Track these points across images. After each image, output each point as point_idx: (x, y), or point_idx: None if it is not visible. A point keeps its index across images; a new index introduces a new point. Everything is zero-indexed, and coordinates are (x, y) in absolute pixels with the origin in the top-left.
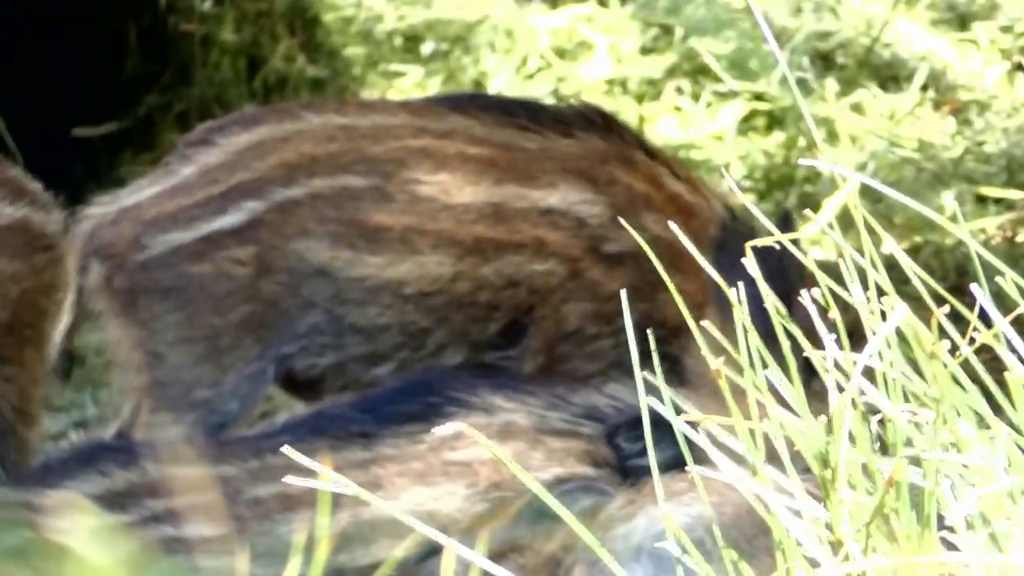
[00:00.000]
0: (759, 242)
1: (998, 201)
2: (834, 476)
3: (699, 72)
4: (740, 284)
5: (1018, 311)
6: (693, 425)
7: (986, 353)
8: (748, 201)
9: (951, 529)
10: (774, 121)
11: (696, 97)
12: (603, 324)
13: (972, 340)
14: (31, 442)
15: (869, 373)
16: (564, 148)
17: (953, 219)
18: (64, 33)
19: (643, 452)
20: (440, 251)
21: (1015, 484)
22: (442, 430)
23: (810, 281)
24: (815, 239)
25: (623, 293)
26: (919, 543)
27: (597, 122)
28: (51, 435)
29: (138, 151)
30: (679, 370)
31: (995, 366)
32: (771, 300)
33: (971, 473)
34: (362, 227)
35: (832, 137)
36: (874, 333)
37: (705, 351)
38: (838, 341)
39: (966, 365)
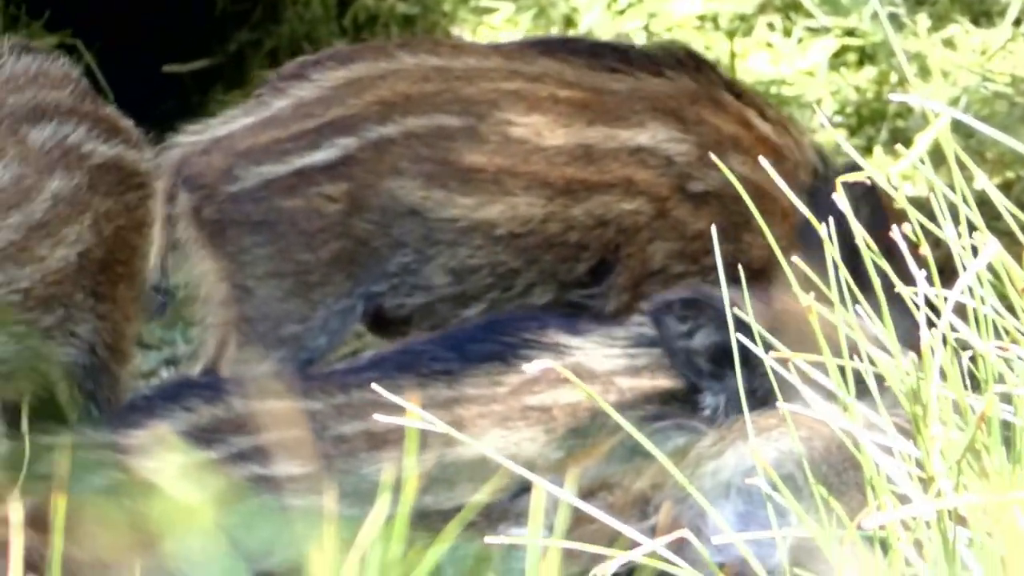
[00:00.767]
0: (849, 177)
1: None
2: (925, 413)
3: (790, 7)
4: (830, 220)
5: None
6: (783, 362)
7: None
8: (840, 136)
9: None
10: (865, 56)
11: (787, 33)
12: (688, 263)
13: None
14: (123, 380)
15: (960, 309)
16: (653, 87)
17: None
18: None
19: (687, 334)
20: (531, 192)
21: None
22: (532, 368)
23: (901, 217)
24: (906, 175)
25: (713, 230)
26: (1010, 479)
27: (687, 62)
28: (142, 373)
29: (228, 88)
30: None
31: None
32: (861, 236)
33: None
34: (455, 168)
35: (924, 72)
36: (965, 269)
37: (796, 288)
38: (929, 277)
39: None
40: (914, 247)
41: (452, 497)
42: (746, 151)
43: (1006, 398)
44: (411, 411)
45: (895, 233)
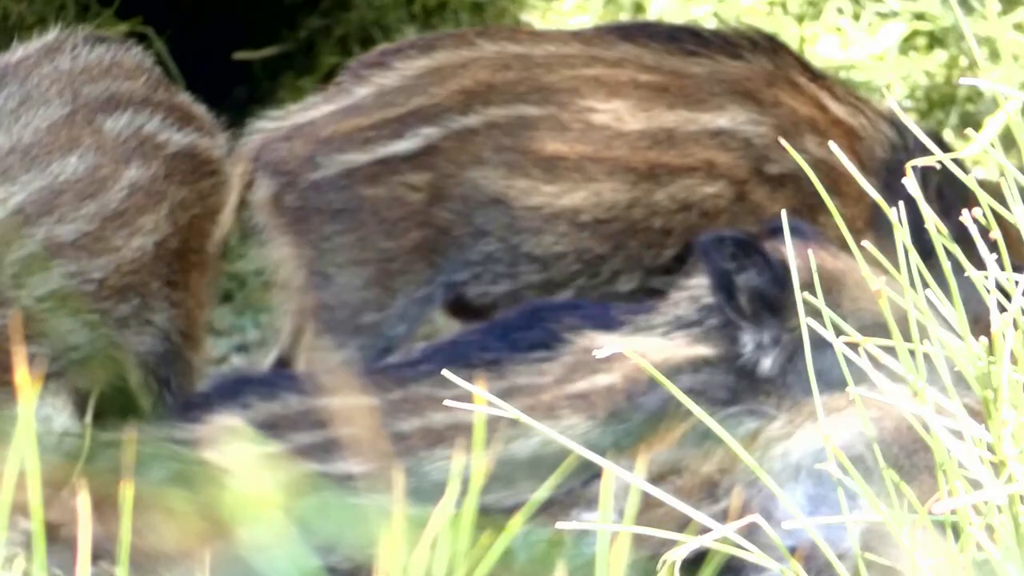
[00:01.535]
0: (920, 162)
1: None
2: (996, 397)
3: None
4: (901, 204)
5: None
6: (853, 346)
7: None
8: (910, 121)
9: None
10: (935, 40)
11: (857, 17)
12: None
13: None
14: (196, 366)
15: None
16: (731, 70)
17: None
18: None
19: (736, 271)
20: (615, 178)
21: None
22: (601, 353)
23: (972, 201)
24: (977, 158)
25: (783, 213)
26: None
27: (763, 44)
28: (213, 360)
29: (298, 74)
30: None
31: None
32: (932, 220)
33: None
34: (537, 156)
35: (994, 56)
36: None
37: (866, 271)
38: (999, 261)
39: None
40: (984, 231)
41: (512, 495)
42: (822, 133)
43: None
44: (479, 398)
45: (965, 217)
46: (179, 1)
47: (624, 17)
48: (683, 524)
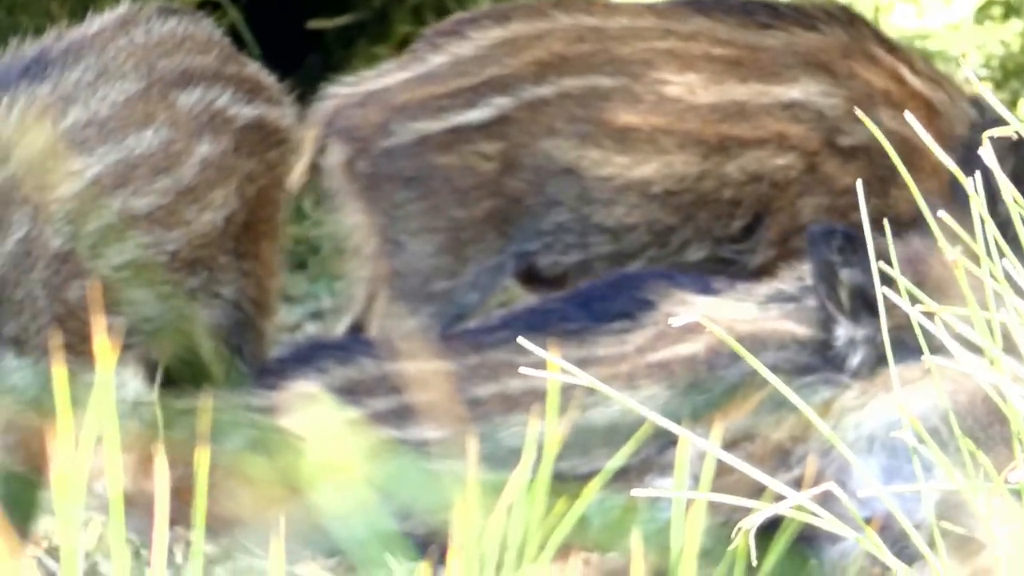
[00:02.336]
0: (997, 132)
1: None
2: None
3: None
4: (977, 175)
5: None
6: (929, 316)
7: None
8: (985, 90)
9: None
10: (1011, 9)
11: None
12: (836, 218)
13: None
14: (268, 333)
15: None
16: (806, 41)
17: None
18: None
19: (841, 264)
20: (686, 150)
21: None
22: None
23: None
24: None
25: (859, 184)
26: None
27: (839, 16)
28: (287, 327)
29: (372, 43)
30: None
31: None
32: (1009, 190)
33: None
34: (610, 127)
35: None
36: None
37: (942, 242)
38: None
39: None
40: None
41: (587, 462)
42: (897, 106)
43: None
44: (554, 365)
45: None
46: None
47: None
48: (756, 491)
